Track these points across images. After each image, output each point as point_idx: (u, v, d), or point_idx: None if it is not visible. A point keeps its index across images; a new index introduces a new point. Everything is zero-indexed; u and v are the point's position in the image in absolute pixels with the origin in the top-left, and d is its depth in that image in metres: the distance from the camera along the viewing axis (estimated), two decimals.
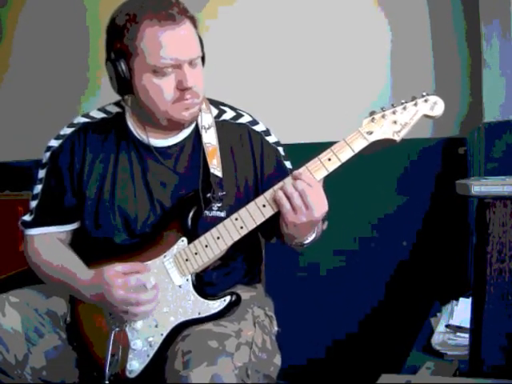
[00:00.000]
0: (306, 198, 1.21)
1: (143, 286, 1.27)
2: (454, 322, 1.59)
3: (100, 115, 1.43)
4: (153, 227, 1.35)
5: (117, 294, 1.24)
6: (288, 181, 1.25)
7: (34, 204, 1.42)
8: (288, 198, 1.22)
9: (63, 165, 1.38)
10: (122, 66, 1.28)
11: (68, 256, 1.38)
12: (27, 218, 1.43)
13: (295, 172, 1.25)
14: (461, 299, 1.72)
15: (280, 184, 1.26)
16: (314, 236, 1.34)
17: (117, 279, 1.25)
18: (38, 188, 1.42)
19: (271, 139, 1.44)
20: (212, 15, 2.32)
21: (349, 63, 2.19)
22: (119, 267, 1.27)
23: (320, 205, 1.23)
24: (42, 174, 1.42)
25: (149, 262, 1.31)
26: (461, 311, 1.64)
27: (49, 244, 1.40)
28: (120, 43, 1.27)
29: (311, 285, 2.25)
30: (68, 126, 1.42)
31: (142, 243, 1.34)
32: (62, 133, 1.41)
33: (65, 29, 2.63)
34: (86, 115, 1.43)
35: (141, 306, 1.26)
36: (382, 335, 2.15)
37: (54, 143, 1.41)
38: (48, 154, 1.41)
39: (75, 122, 1.42)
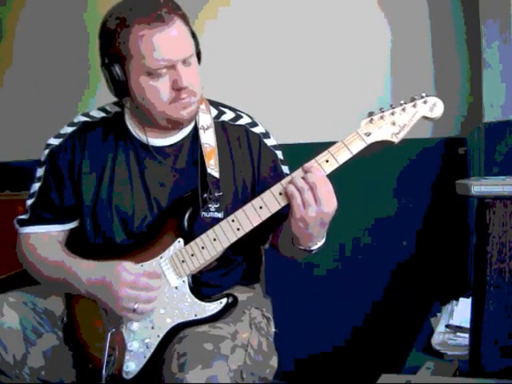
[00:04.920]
0: (315, 191, 1.19)
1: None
2: (454, 322, 1.59)
3: (100, 114, 1.43)
4: (150, 227, 1.35)
5: (127, 290, 1.24)
6: (297, 174, 1.24)
7: (30, 202, 1.41)
8: (299, 191, 1.21)
9: (62, 163, 1.38)
10: (117, 69, 1.28)
11: (65, 252, 1.37)
12: (23, 216, 1.43)
13: (305, 165, 1.23)
14: (461, 299, 1.73)
15: (289, 178, 1.24)
16: (322, 241, 1.31)
17: (127, 275, 1.25)
18: (36, 186, 1.41)
19: (270, 142, 1.44)
20: (211, 15, 2.32)
21: (348, 63, 2.19)
22: (131, 265, 1.27)
23: (329, 199, 1.21)
24: (40, 172, 1.41)
25: (145, 263, 1.31)
26: (461, 311, 1.64)
27: (46, 242, 1.39)
28: (113, 47, 1.28)
29: (311, 285, 2.25)
30: (68, 125, 1.42)
31: (139, 243, 1.34)
32: (61, 131, 1.41)
33: (64, 29, 2.63)
34: (86, 114, 1.43)
35: (148, 304, 1.26)
36: (382, 335, 2.15)
37: (54, 141, 1.41)
38: (47, 151, 1.40)
39: (75, 120, 1.42)
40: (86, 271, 1.29)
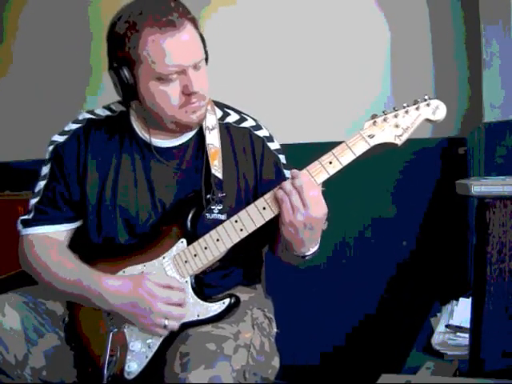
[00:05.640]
0: (302, 194, 1.20)
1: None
2: (454, 322, 1.59)
3: (105, 113, 1.42)
4: (153, 228, 1.35)
5: (160, 306, 1.24)
6: (287, 181, 1.24)
7: (34, 200, 1.39)
8: (287, 195, 1.22)
9: (67, 161, 1.37)
10: (126, 73, 1.27)
11: (77, 265, 1.33)
12: (25, 216, 1.40)
13: (293, 171, 1.24)
14: (461, 299, 1.73)
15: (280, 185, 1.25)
16: (315, 248, 1.31)
17: (160, 291, 1.25)
18: (41, 184, 1.39)
19: (273, 146, 1.43)
20: (213, 16, 2.32)
21: (349, 63, 2.19)
22: (157, 280, 1.26)
23: (317, 204, 1.22)
24: (45, 170, 1.40)
25: (147, 263, 1.31)
26: (461, 311, 1.64)
27: (52, 251, 1.35)
28: (122, 52, 1.26)
29: (311, 285, 2.25)
30: (72, 122, 1.41)
31: (142, 244, 1.33)
32: (66, 128, 1.40)
33: (65, 29, 2.63)
34: (91, 112, 1.42)
35: (178, 321, 1.26)
36: (382, 335, 2.15)
37: (59, 138, 1.39)
38: (51, 148, 1.39)
39: (80, 118, 1.41)
40: (110, 292, 1.26)
